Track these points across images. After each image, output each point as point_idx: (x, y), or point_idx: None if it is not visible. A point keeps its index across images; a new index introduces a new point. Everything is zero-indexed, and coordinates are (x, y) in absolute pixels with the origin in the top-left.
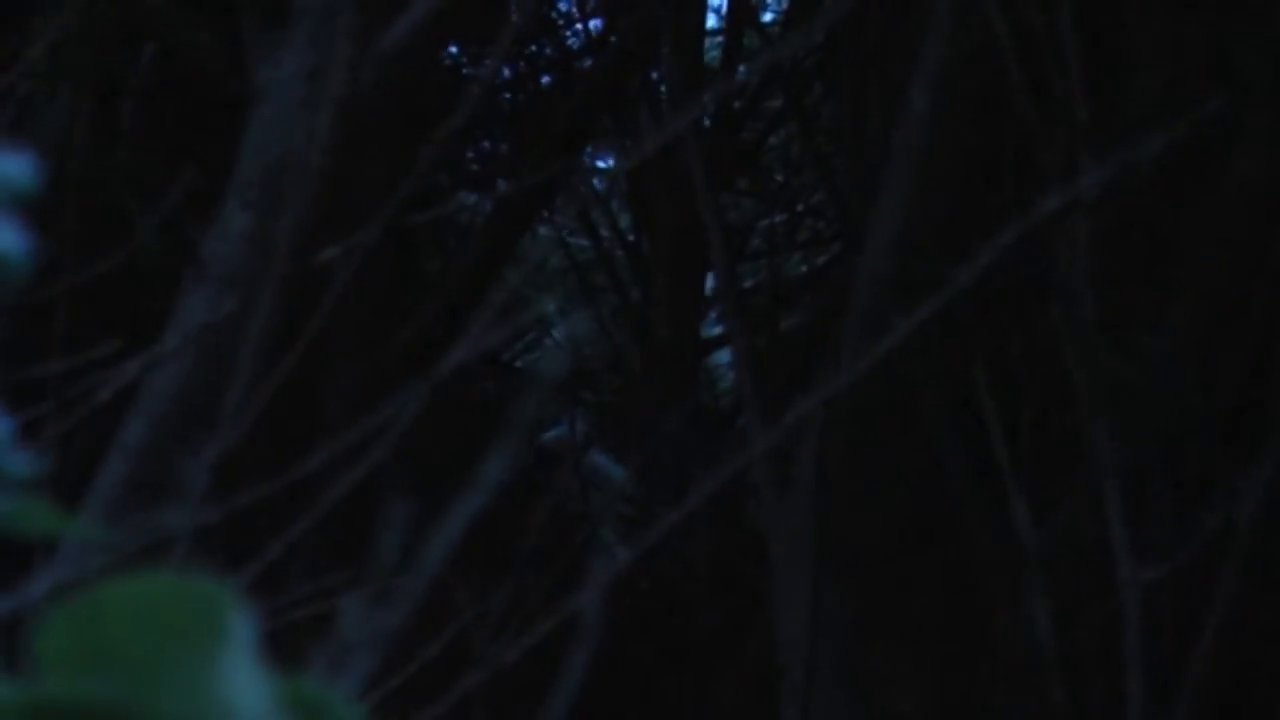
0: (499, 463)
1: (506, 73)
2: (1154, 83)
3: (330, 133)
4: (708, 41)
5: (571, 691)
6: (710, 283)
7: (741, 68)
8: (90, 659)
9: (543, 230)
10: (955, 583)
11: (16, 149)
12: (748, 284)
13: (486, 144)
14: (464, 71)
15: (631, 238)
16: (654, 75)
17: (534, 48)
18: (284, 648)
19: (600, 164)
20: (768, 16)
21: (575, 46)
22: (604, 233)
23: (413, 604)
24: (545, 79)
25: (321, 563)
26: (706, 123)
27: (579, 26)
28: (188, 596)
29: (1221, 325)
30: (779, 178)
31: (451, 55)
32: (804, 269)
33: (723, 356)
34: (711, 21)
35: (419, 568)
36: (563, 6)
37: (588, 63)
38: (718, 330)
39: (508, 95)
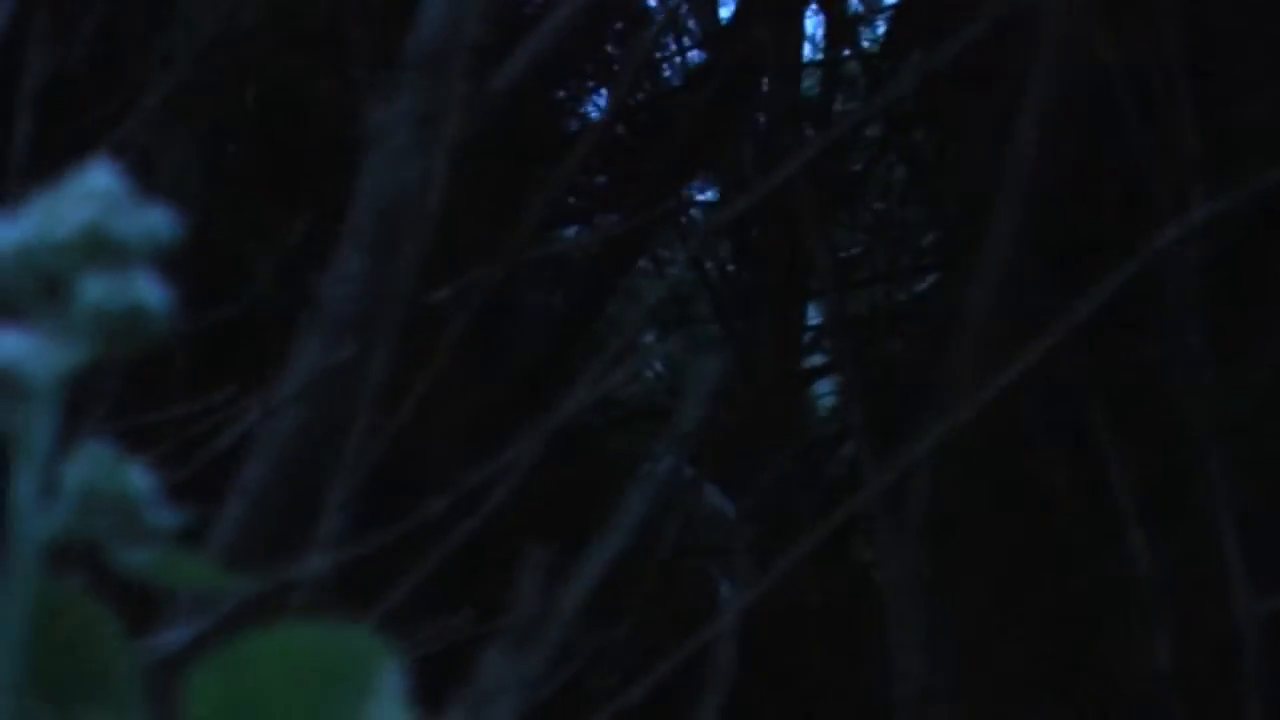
0: (634, 507)
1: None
2: (1265, 109)
3: (445, 176)
4: (808, 73)
5: None
6: (812, 314)
7: (840, 104)
8: (239, 709)
9: (645, 264)
10: (1069, 613)
11: (157, 201)
12: (852, 314)
13: (586, 180)
14: (567, 110)
15: (731, 268)
16: (756, 109)
17: (635, 84)
18: (420, 694)
19: (702, 198)
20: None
21: (675, 82)
22: (707, 265)
23: (551, 650)
24: (646, 114)
25: (443, 608)
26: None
27: (679, 60)
28: (337, 646)
29: None
30: (880, 208)
31: (557, 95)
32: (907, 299)
33: (823, 386)
34: (809, 51)
35: (557, 614)
36: (662, 41)
37: (688, 96)
38: (818, 360)
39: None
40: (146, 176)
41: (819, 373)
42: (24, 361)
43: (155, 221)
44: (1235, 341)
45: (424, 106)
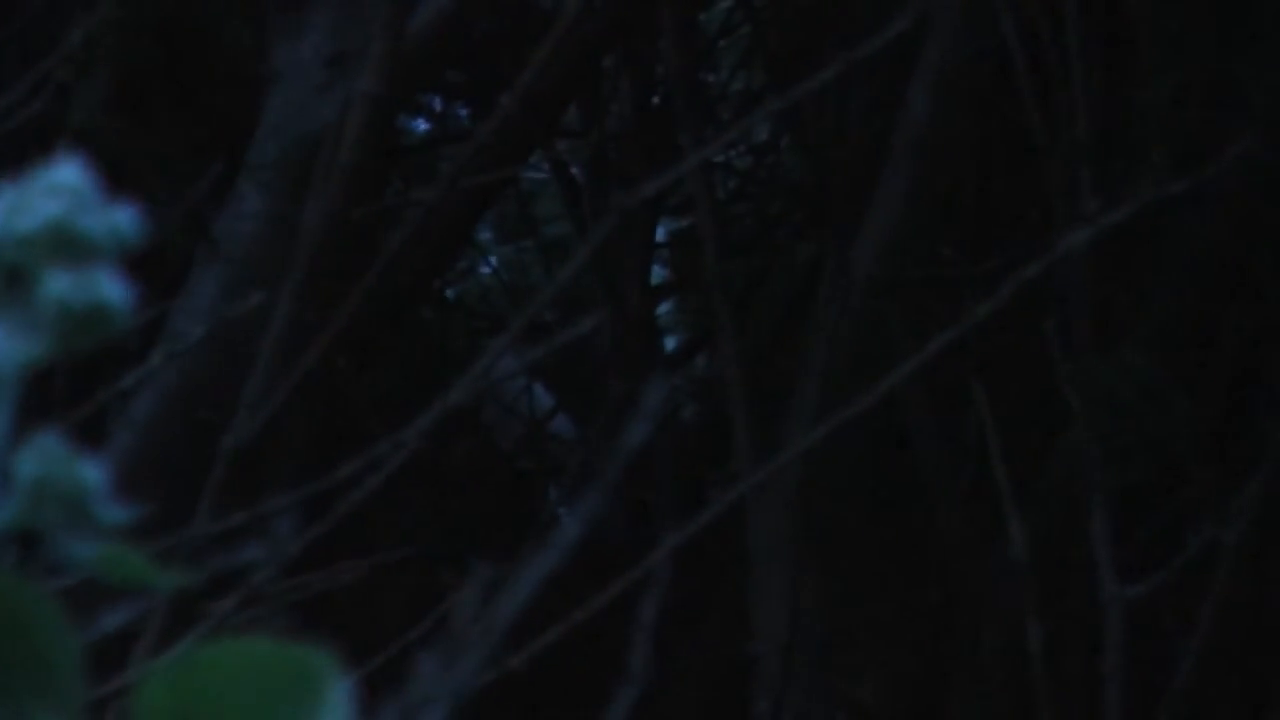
0: (576, 522)
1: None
2: (1160, 101)
3: (362, 130)
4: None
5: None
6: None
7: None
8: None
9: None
10: (937, 585)
11: (121, 201)
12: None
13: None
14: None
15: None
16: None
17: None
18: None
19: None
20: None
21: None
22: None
23: (486, 661)
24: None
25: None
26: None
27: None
28: (286, 662)
29: (1210, 342)
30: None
31: None
32: (783, 258)
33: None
34: None
35: (490, 625)
36: None
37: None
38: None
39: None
40: (62, 113)
41: (664, 290)
42: None
43: (120, 220)
44: (1116, 326)
45: (331, 48)
